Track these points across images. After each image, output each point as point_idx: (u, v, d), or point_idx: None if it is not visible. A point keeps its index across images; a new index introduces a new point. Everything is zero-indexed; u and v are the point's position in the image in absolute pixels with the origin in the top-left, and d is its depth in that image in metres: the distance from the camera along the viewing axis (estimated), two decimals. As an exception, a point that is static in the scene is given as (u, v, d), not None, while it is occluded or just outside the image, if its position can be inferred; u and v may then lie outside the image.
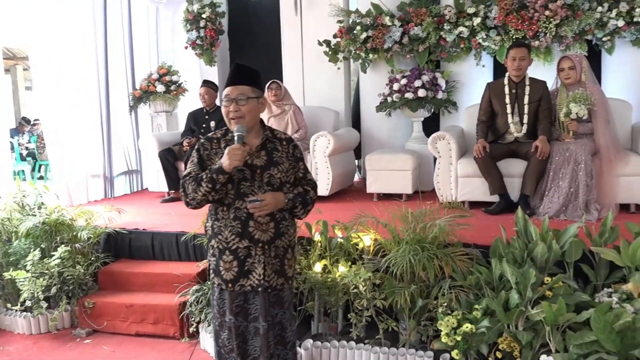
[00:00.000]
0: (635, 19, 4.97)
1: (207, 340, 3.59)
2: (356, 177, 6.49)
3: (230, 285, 2.52)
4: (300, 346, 3.35)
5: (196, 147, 2.56)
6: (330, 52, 6.10)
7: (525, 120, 4.63)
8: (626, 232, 3.19)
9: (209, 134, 2.60)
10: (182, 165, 5.70)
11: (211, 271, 2.59)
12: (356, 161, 6.38)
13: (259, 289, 2.52)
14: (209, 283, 2.66)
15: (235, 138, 2.42)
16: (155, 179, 5.95)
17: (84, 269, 4.15)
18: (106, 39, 6.03)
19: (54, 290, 4.00)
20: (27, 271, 4.00)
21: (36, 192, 4.63)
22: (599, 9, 5.06)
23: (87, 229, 4.28)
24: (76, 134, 5.70)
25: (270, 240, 2.52)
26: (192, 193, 2.44)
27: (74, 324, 4.11)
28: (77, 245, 4.25)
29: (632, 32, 5.07)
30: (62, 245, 4.15)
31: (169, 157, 5.70)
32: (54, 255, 4.09)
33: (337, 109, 6.27)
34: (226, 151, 2.39)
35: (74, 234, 4.27)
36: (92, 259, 4.27)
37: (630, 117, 4.86)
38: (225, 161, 2.38)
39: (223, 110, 2.52)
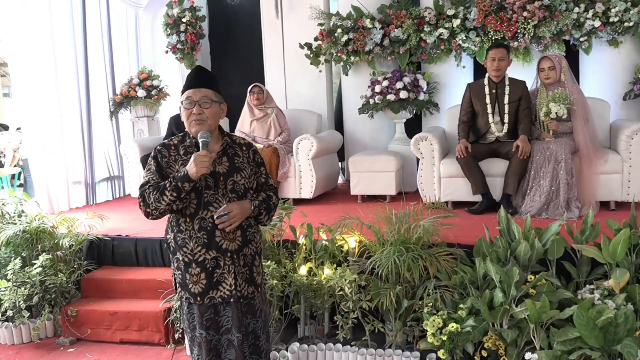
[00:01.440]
0: (610, 19, 5.06)
1: (193, 346, 3.57)
2: (340, 179, 6.50)
3: (199, 298, 2.41)
4: (287, 349, 3.35)
5: (152, 154, 2.43)
6: (311, 55, 6.11)
7: (505, 120, 4.68)
8: (607, 229, 3.24)
9: (165, 140, 2.48)
10: (164, 171, 5.65)
11: (177, 285, 2.49)
12: (340, 163, 6.39)
13: (231, 300, 2.44)
14: (176, 297, 2.56)
15: (200, 144, 2.34)
16: (138, 185, 5.88)
17: (67, 277, 4.10)
18: (85, 44, 5.97)
19: (35, 299, 3.94)
20: (8, 280, 3.95)
21: (16, 200, 4.57)
22: (576, 9, 5.13)
23: (68, 237, 4.23)
24: (56, 141, 5.62)
25: (238, 248, 2.43)
26: (155, 203, 2.30)
27: (57, 332, 4.06)
28: (58, 253, 4.19)
29: (608, 32, 5.16)
30: (44, 254, 4.10)
31: (151, 163, 5.66)
32: (35, 263, 4.04)
33: (320, 111, 6.27)
34: (193, 158, 2.28)
35: (56, 241, 4.21)
36: (75, 266, 4.22)
37: (608, 115, 4.94)
38: (191, 168, 2.27)
39: (184, 113, 2.41)
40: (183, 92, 2.45)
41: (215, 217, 2.34)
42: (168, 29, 6.71)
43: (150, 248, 4.28)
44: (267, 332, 2.64)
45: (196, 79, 2.43)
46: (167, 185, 2.30)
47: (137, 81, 6.30)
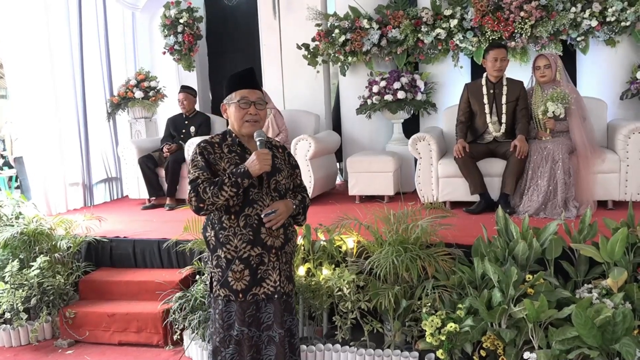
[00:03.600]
0: (607, 19, 5.09)
1: (192, 348, 3.56)
2: (338, 180, 6.51)
3: (241, 295, 2.46)
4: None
5: (198, 151, 2.45)
6: (309, 56, 6.12)
7: (503, 120, 4.70)
8: (604, 228, 3.25)
9: (207, 138, 2.53)
10: (163, 172, 5.66)
11: (215, 283, 2.51)
12: (338, 164, 6.40)
13: (275, 296, 2.50)
14: (210, 295, 2.58)
15: (258, 143, 2.42)
16: (136, 186, 5.89)
17: (64, 279, 4.09)
18: (82, 46, 5.96)
19: (33, 301, 3.94)
20: (6, 282, 3.95)
21: (14, 202, 4.56)
22: (573, 9, 5.16)
23: (66, 238, 4.22)
24: (53, 142, 5.62)
25: (281, 246, 2.51)
26: (212, 198, 2.34)
27: (55, 335, 4.05)
28: (56, 255, 4.19)
29: (605, 32, 5.18)
30: (41, 255, 4.09)
31: (149, 164, 5.66)
32: (33, 265, 4.03)
33: (318, 112, 6.29)
34: (255, 156, 2.36)
35: (53, 243, 4.21)
36: (73, 268, 4.22)
37: (605, 115, 4.96)
38: (254, 165, 2.35)
39: (239, 112, 2.45)
40: (232, 90, 2.48)
41: (263, 214, 2.42)
42: (165, 30, 6.72)
43: (149, 249, 4.27)
44: (299, 331, 2.70)
45: (251, 80, 2.49)
46: (226, 180, 2.35)
47: (134, 82, 6.30)
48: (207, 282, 2.57)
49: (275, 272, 2.49)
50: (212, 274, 2.52)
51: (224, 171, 2.42)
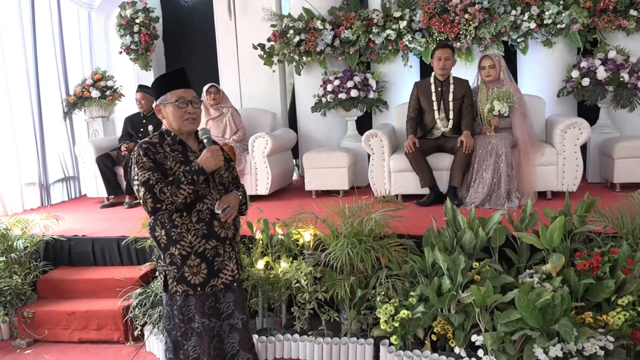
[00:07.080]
0: (545, 21, 5.35)
1: (152, 343, 3.60)
2: (295, 176, 6.60)
3: (199, 288, 2.49)
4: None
5: (141, 152, 2.41)
6: (265, 56, 6.19)
7: (450, 116, 4.88)
8: (544, 217, 3.42)
9: (147, 139, 2.51)
10: (121, 170, 5.64)
11: (171, 280, 2.51)
12: (294, 160, 6.49)
13: (234, 284, 2.57)
14: (166, 292, 2.56)
15: (205, 141, 2.47)
16: (94, 185, 5.84)
17: (22, 279, 4.05)
18: (35, 45, 5.86)
19: (-11, 302, 3.88)
20: (-39, 284, 3.88)
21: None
22: (513, 12, 5.40)
23: (23, 238, 4.18)
24: (8, 142, 5.51)
25: (232, 236, 2.59)
26: (172, 197, 2.34)
27: (13, 335, 4.01)
28: (13, 255, 4.13)
29: (542, 34, 5.45)
30: (-3, 256, 4.04)
31: (107, 163, 5.63)
32: (-12, 266, 3.97)
33: (274, 110, 6.36)
34: (209, 153, 2.42)
35: (10, 243, 4.15)
36: (30, 268, 4.17)
37: (544, 111, 5.19)
38: (209, 162, 2.41)
39: (178, 111, 2.45)
40: (166, 91, 2.47)
41: (220, 211, 2.48)
42: (121, 30, 6.65)
43: (108, 247, 4.27)
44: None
45: (185, 80, 2.51)
46: (182, 179, 2.37)
47: (90, 82, 6.24)
48: (162, 281, 2.56)
49: (232, 262, 2.56)
50: (167, 271, 2.52)
51: (171, 170, 2.42)
